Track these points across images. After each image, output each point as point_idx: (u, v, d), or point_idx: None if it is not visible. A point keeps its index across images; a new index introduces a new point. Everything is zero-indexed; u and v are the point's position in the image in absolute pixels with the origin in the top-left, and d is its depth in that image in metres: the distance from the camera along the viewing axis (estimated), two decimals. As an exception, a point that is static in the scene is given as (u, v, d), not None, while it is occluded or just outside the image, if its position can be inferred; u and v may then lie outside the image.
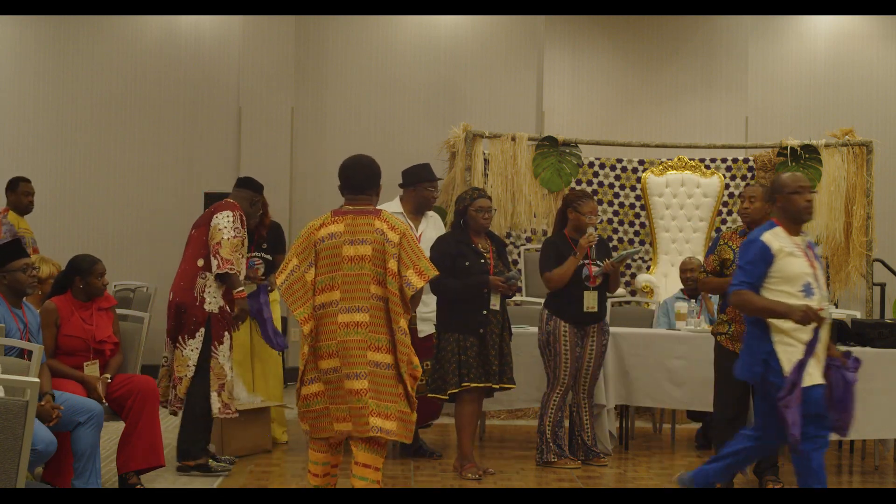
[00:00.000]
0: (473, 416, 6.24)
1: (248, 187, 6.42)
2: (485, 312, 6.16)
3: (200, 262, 6.03)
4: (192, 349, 5.96)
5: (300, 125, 10.52)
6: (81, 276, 5.57)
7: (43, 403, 4.67)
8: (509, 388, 6.35)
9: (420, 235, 6.62)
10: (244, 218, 6.15)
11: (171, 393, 6.03)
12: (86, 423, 4.99)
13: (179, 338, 5.98)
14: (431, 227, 6.70)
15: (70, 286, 5.60)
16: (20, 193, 7.94)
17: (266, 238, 7.03)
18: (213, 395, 6.00)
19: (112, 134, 10.39)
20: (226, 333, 6.06)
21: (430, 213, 6.86)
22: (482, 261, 6.20)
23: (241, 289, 6.12)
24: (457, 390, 6.11)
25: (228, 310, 6.08)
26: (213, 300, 6.00)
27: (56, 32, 10.33)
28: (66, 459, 5.02)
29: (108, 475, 5.80)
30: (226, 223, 6.00)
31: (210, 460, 6.05)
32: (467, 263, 6.14)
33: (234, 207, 6.12)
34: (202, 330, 5.98)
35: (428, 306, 6.52)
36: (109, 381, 5.45)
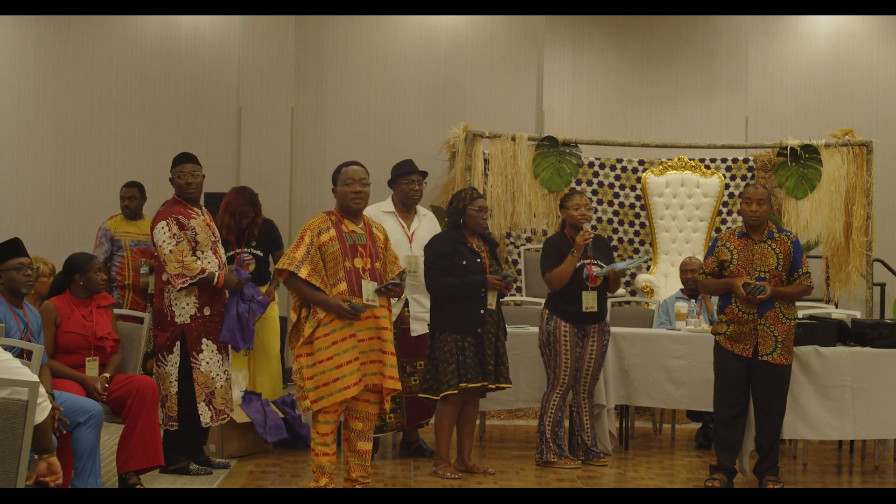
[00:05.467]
0: (454, 417, 6.23)
1: (173, 165, 6.11)
2: (482, 312, 6.15)
3: (164, 277, 5.93)
4: (171, 365, 5.92)
5: (300, 125, 10.52)
6: (81, 272, 5.59)
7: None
8: (506, 388, 6.33)
9: (412, 234, 6.61)
10: (181, 217, 5.91)
11: (162, 412, 5.89)
12: (85, 424, 4.99)
13: (160, 356, 5.94)
14: (425, 227, 6.68)
15: (69, 285, 5.62)
16: (120, 197, 7.98)
17: (256, 236, 7.00)
18: (201, 405, 5.93)
19: (112, 134, 10.40)
20: (204, 340, 5.95)
21: (426, 212, 6.84)
22: (478, 260, 6.19)
23: (214, 280, 5.89)
24: (454, 391, 6.09)
25: (207, 313, 5.96)
26: (182, 311, 5.90)
27: (56, 32, 10.34)
28: (66, 459, 5.01)
29: (108, 475, 5.80)
30: (163, 237, 5.86)
31: (190, 464, 6.03)
32: (465, 263, 6.13)
33: (165, 214, 5.95)
34: (178, 343, 5.92)
35: (423, 306, 6.51)
36: (108, 381, 5.44)
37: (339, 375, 5.21)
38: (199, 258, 5.91)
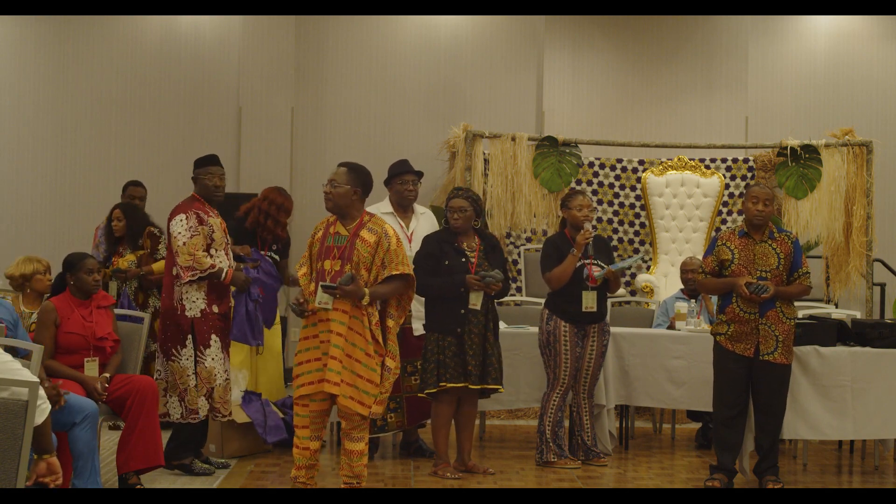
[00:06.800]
0: (449, 417, 6.24)
1: (200, 165, 6.12)
2: (462, 312, 6.15)
3: (175, 271, 5.94)
4: (186, 358, 5.92)
5: (300, 125, 10.52)
6: (72, 272, 5.61)
7: (47, 386, 4.68)
8: (493, 390, 6.24)
9: (412, 234, 6.62)
10: (202, 213, 5.94)
11: (181, 406, 5.92)
12: (81, 424, 5.00)
13: (172, 350, 5.94)
14: (424, 226, 6.68)
15: (67, 285, 5.64)
16: (127, 196, 8.11)
17: (280, 238, 7.06)
18: (201, 399, 5.92)
19: (112, 134, 10.39)
20: (213, 336, 5.95)
21: (424, 210, 6.85)
22: (463, 259, 6.19)
23: (223, 276, 5.93)
24: (434, 390, 6.12)
25: (216, 310, 5.97)
26: (192, 306, 5.90)
27: (56, 32, 10.33)
28: (65, 459, 5.01)
29: (108, 475, 5.80)
30: (179, 229, 5.87)
31: (194, 461, 6.01)
32: (447, 262, 6.16)
33: (185, 207, 5.96)
34: (190, 337, 5.92)
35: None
36: (108, 381, 5.44)
37: (299, 372, 5.36)
38: (212, 256, 5.93)
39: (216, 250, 5.98)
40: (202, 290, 5.94)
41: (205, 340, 5.94)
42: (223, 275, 5.95)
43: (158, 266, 7.22)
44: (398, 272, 5.36)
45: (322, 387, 5.25)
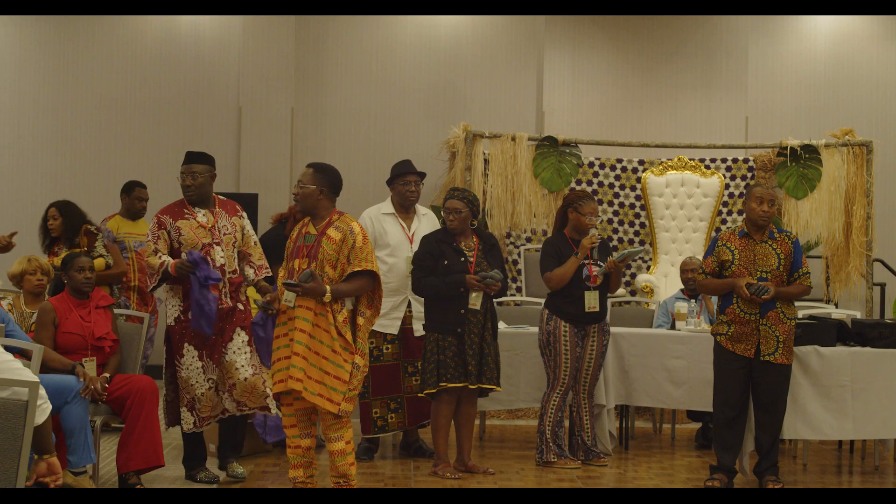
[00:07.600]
0: (449, 416, 6.24)
1: (183, 162, 5.91)
2: (462, 312, 6.15)
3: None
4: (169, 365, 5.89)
5: (300, 125, 10.52)
6: (65, 271, 5.62)
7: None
8: (489, 389, 6.22)
9: (413, 234, 6.62)
10: (166, 216, 5.76)
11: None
12: (72, 401, 5.02)
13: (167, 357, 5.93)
14: (425, 226, 6.68)
15: (64, 284, 5.67)
16: (134, 198, 8.04)
17: None
18: (183, 410, 5.74)
19: (112, 134, 10.40)
20: (185, 345, 5.71)
21: (426, 211, 6.85)
22: (462, 259, 6.20)
23: (170, 269, 5.62)
24: (434, 391, 6.13)
25: (193, 315, 5.71)
26: (169, 313, 5.77)
27: (56, 32, 10.34)
28: (58, 442, 4.99)
29: (108, 475, 5.80)
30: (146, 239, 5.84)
31: (199, 473, 5.88)
32: (446, 262, 6.17)
33: (158, 213, 5.83)
34: (166, 345, 5.82)
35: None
36: (108, 381, 5.44)
37: (272, 371, 5.39)
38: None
39: (158, 252, 5.72)
40: (178, 296, 5.75)
41: (178, 349, 5.75)
42: (167, 266, 5.63)
43: (96, 263, 7.07)
44: (361, 268, 5.29)
45: (288, 384, 5.24)
